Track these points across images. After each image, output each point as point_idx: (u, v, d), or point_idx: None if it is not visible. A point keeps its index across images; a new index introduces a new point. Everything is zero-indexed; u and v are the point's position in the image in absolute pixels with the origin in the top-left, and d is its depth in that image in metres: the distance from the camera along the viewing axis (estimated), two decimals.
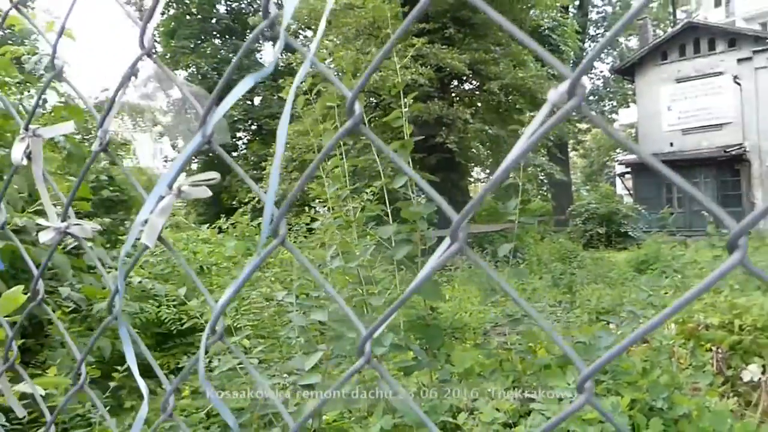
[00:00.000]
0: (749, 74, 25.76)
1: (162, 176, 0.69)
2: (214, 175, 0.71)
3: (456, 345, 3.68)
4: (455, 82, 23.32)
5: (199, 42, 30.97)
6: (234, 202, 26.03)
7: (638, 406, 2.66)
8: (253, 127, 31.94)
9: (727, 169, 26.47)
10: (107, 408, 3.97)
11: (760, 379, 3.44)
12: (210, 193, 0.72)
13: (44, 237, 0.83)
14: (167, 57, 31.59)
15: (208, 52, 30.19)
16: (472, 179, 29.25)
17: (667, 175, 0.48)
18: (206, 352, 0.72)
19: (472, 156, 24.75)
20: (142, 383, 0.80)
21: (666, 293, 6.08)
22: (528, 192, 32.36)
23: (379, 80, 16.58)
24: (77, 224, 0.82)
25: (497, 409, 2.78)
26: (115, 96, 0.78)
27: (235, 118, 28.61)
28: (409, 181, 3.70)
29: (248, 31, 32.82)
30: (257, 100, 32.04)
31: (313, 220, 4.97)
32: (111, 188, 7.20)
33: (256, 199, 20.75)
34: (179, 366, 5.18)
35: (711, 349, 3.76)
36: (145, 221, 0.69)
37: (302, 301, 3.43)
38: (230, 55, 31.22)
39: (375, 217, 3.95)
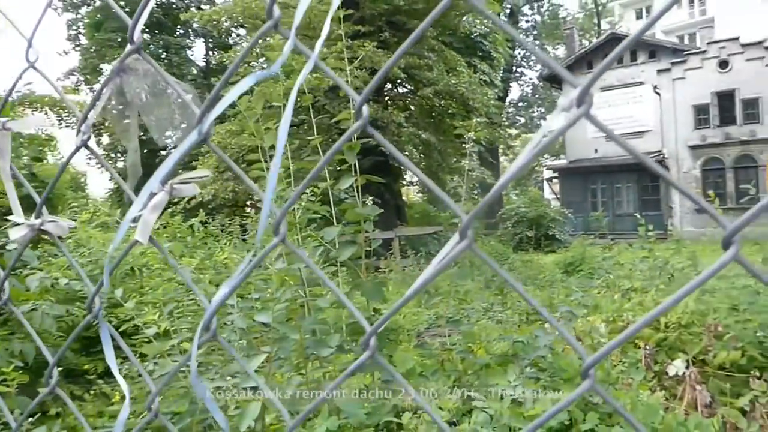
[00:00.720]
0: (668, 84, 27.07)
1: (155, 173, 0.68)
2: (206, 173, 0.71)
3: (396, 346, 3.71)
4: (389, 86, 23.47)
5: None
6: None
7: (575, 402, 2.75)
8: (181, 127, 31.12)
9: (647, 175, 27.70)
10: (35, 416, 3.81)
11: (684, 373, 3.63)
12: (199, 191, 0.71)
13: (15, 234, 0.79)
14: (92, 50, 30.44)
15: None
16: (405, 182, 29.48)
17: (666, 179, 0.52)
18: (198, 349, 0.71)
19: (406, 158, 24.89)
20: (123, 384, 0.79)
21: (598, 293, 6.32)
22: (459, 195, 32.97)
23: (314, 80, 16.50)
24: (52, 221, 0.79)
25: (441, 408, 2.83)
26: (102, 89, 0.76)
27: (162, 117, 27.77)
28: (354, 182, 3.72)
29: (178, 26, 32.00)
30: None
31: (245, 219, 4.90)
32: (33, 185, 6.89)
33: (186, 199, 20.31)
34: (109, 371, 5.00)
35: (639, 346, 3.95)
36: (136, 218, 0.68)
37: (243, 303, 3.38)
38: (160, 51, 30.31)
39: (316, 219, 3.94)
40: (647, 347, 3.88)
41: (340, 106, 17.03)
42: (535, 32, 41.60)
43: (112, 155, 30.24)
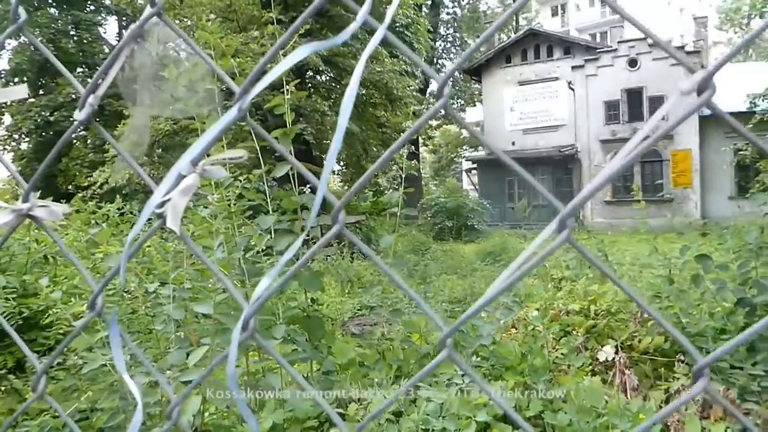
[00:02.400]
0: (581, 80, 28.12)
1: (185, 153, 0.61)
2: (240, 153, 0.64)
3: (333, 337, 3.66)
4: (311, 74, 23.21)
5: (33, 9, 28.03)
6: (70, 187, 24.07)
7: (519, 389, 2.81)
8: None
9: (561, 167, 28.76)
10: None
11: (614, 359, 3.77)
12: (226, 174, 0.64)
13: None
14: None
15: (42, 21, 27.41)
16: None
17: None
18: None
19: (329, 148, 24.75)
20: (134, 387, 0.71)
21: (531, 283, 6.48)
22: (380, 185, 33.08)
23: (236, 66, 16.08)
24: (43, 206, 0.70)
25: (386, 398, 2.81)
26: (117, 57, 0.67)
27: (72, 97, 26.32)
28: (291, 170, 3.63)
29: (89, 2, 30.39)
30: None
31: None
32: None
33: (98, 183, 19.37)
34: (22, 364, 4.70)
35: (570, 333, 4.07)
36: (163, 202, 0.60)
37: (179, 293, 3.24)
38: (69, 27, 28.66)
39: (253, 207, 3.82)
40: (578, 334, 4.01)
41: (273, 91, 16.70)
42: (456, 24, 42.17)
43: (15, 137, 28.46)
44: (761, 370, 3.49)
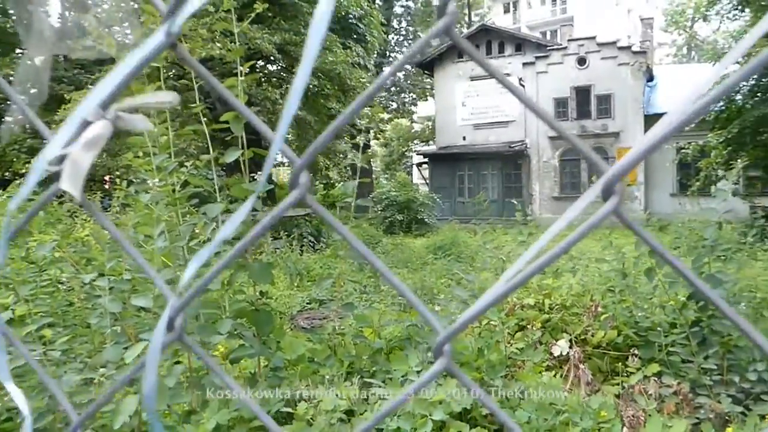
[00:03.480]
0: (532, 77, 28.45)
1: (91, 92, 0.45)
2: (169, 97, 0.49)
3: (282, 332, 3.51)
4: (262, 63, 22.79)
5: None
6: (7, 174, 23.03)
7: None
8: (32, 91, 28.44)
9: (511, 163, 29.06)
10: None
11: (568, 353, 3.73)
12: (152, 126, 0.49)
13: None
14: None
15: None
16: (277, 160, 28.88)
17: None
18: None
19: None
20: (21, 399, 0.55)
21: (485, 278, 6.40)
22: (330, 177, 32.84)
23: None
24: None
25: (339, 396, 2.68)
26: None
27: (9, 79, 25.13)
28: (241, 156, 3.45)
29: None
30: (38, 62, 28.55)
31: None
32: None
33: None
34: None
35: (526, 327, 4.02)
36: (61, 157, 0.45)
37: (117, 284, 3.02)
38: (7, 5, 27.29)
39: (200, 195, 3.61)
40: (533, 328, 3.96)
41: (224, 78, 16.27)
42: (409, 18, 42.15)
43: None
44: (713, 363, 3.50)
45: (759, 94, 15.79)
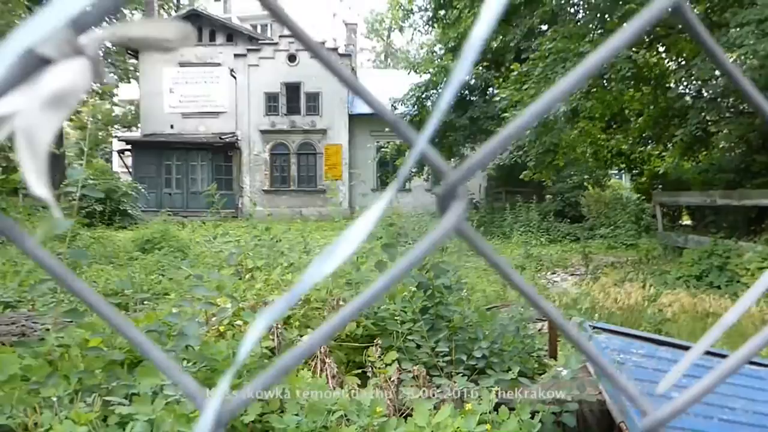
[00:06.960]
0: (243, 69, 28.31)
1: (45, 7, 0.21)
2: (178, 31, 0.27)
3: None
4: None
5: None
6: None
7: (235, 392, 2.52)
8: None
9: (221, 154, 28.60)
10: None
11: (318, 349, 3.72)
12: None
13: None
14: None
15: None
16: None
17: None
18: None
19: None
20: None
21: (224, 274, 6.05)
22: (11, 159, 28.67)
23: None
24: None
25: (74, 421, 2.26)
26: None
27: None
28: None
29: None
30: None
31: None
32: None
33: None
34: None
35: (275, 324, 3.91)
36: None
37: None
38: None
39: None
40: (278, 325, 3.87)
41: None
42: None
43: None
44: (444, 347, 3.79)
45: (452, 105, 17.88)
